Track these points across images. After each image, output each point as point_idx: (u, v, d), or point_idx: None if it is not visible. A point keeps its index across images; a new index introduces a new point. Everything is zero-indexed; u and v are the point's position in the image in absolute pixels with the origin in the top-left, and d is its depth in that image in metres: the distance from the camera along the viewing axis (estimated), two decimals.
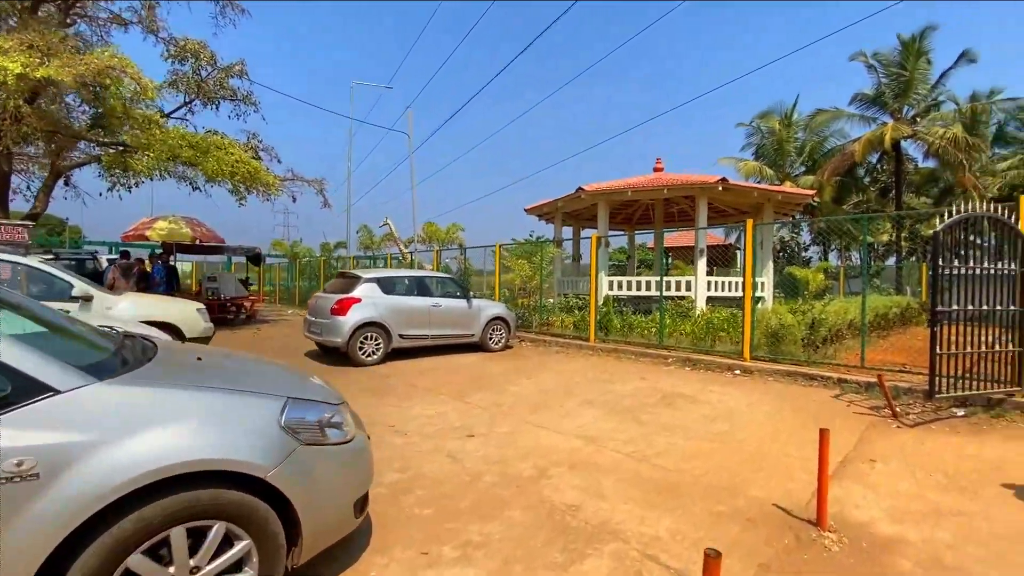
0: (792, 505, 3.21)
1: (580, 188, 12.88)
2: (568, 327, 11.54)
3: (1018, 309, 5.49)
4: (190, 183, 15.99)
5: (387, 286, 8.39)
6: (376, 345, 8.02)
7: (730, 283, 12.62)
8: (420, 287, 8.79)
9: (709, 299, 12.38)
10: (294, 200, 16.46)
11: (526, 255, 15.58)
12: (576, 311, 12.27)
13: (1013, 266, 5.49)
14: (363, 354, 7.88)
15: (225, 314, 14.92)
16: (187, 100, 17.60)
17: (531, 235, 17.46)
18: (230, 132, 17.74)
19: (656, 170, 15.40)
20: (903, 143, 23.06)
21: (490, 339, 9.51)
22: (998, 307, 5.46)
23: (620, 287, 13.13)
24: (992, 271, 5.44)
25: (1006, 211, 5.47)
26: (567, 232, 18.58)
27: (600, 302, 11.63)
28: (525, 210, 16.25)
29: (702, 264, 12.49)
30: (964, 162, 20.61)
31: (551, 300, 13.85)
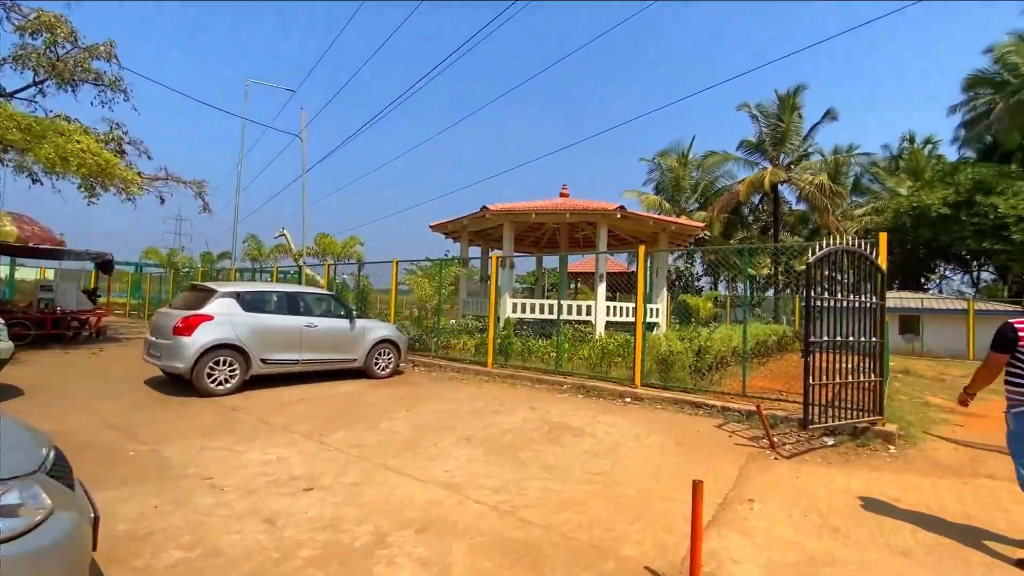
0: (667, 567, 2.78)
1: (485, 207, 12.48)
2: (469, 350, 10.92)
3: (878, 340, 5.75)
4: (28, 173, 13.51)
5: (249, 302, 7.23)
6: (231, 371, 6.82)
7: (628, 308, 12.78)
8: (291, 304, 7.69)
9: (609, 324, 12.42)
10: (162, 202, 14.52)
11: (429, 274, 14.87)
12: (478, 334, 11.71)
13: (874, 299, 5.77)
14: (212, 382, 6.65)
15: (63, 330, 12.50)
16: (36, 80, 15.07)
17: (446, 254, 16.79)
18: (97, 123, 15.38)
19: (562, 196, 15.51)
20: (780, 187, 25.61)
21: (376, 364, 8.60)
22: (862, 338, 5.69)
23: (524, 310, 12.81)
24: (857, 304, 5.67)
25: (868, 246, 5.76)
26: (476, 252, 18.16)
27: (501, 325, 11.20)
28: (430, 226, 15.58)
29: (602, 289, 12.54)
30: (828, 206, 23.24)
31: (453, 321, 13.21)
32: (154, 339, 7.03)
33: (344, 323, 8.18)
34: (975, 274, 27.11)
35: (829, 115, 25.56)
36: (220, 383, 6.71)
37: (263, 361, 7.12)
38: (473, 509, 3.41)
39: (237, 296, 7.12)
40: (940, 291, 26.55)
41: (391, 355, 8.84)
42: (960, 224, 19.73)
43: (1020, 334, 3.07)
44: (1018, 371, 3.09)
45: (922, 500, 4.05)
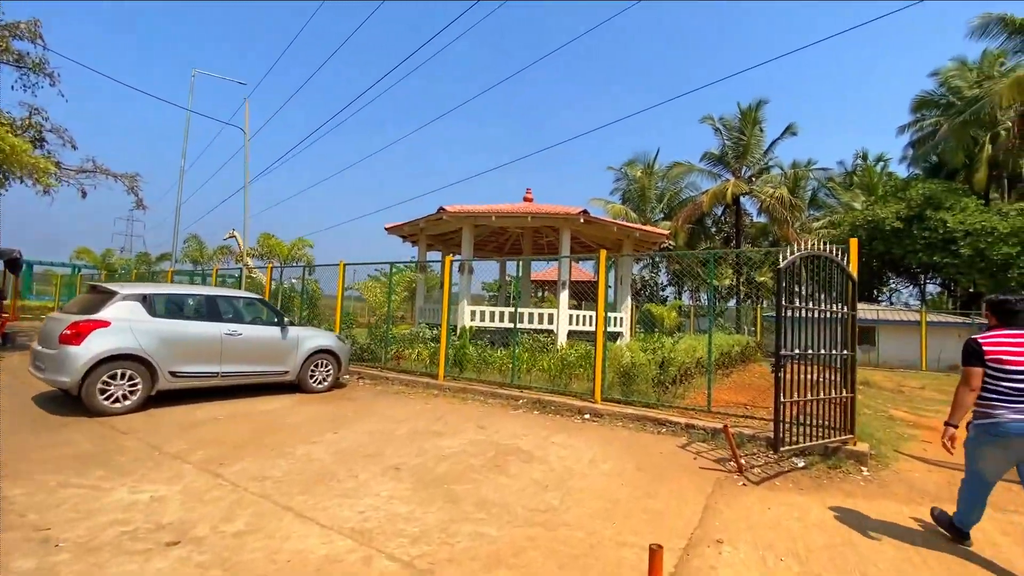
0: None
1: (441, 208, 11.81)
2: (424, 361, 10.16)
3: (850, 353, 5.37)
4: None
5: (157, 306, 6.30)
6: (131, 386, 5.87)
7: (591, 317, 12.31)
8: (210, 309, 6.77)
9: (572, 333, 11.92)
10: (84, 195, 13.16)
11: (380, 278, 14.08)
12: (432, 343, 10.96)
13: (845, 308, 5.39)
14: (107, 399, 5.70)
15: None
16: None
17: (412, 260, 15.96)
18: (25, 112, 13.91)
19: (526, 200, 15.01)
20: (742, 199, 25.96)
21: (311, 377, 7.74)
22: (833, 351, 5.29)
23: (483, 318, 12.16)
24: (829, 313, 5.28)
25: (839, 252, 5.39)
26: (437, 257, 17.40)
27: (456, 334, 10.51)
28: (386, 228, 14.78)
29: (564, 296, 12.03)
30: (788, 219, 23.61)
31: (412, 330, 12.43)
32: (40, 348, 6.01)
33: (274, 331, 7.31)
34: (923, 287, 28.10)
35: (789, 130, 26.15)
36: (117, 400, 5.76)
37: (173, 374, 6.19)
38: (380, 568, 2.71)
39: (143, 299, 6.18)
40: (891, 303, 27.39)
41: (330, 367, 8.00)
42: (912, 238, 20.27)
43: (985, 348, 3.19)
44: (983, 384, 3.18)
45: (907, 534, 3.60)
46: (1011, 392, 3.06)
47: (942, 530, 3.61)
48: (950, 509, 3.68)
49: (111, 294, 6.08)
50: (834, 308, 5.33)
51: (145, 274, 18.84)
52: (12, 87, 14.03)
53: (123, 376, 5.81)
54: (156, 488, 3.65)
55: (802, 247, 5.22)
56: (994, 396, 3.11)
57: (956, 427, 3.28)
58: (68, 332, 5.60)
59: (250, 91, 44.69)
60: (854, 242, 5.58)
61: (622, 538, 3.25)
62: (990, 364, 3.15)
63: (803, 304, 5.14)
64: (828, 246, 5.35)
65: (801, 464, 5.12)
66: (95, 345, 5.62)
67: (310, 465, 4.34)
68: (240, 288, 14.15)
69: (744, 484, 4.52)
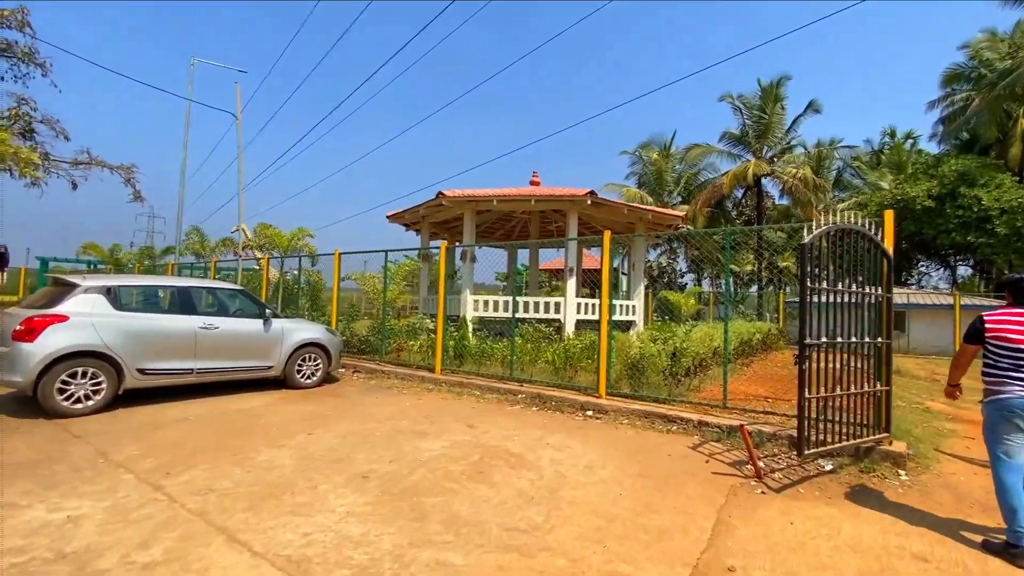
0: None
1: (440, 193, 11.24)
2: (424, 353, 9.70)
3: (884, 341, 4.69)
4: None
5: (123, 299, 5.87)
6: (94, 386, 5.48)
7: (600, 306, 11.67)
8: (183, 301, 6.32)
9: (581, 323, 11.31)
10: (74, 187, 12.89)
11: (399, 270, 13.73)
12: (434, 335, 10.48)
13: (879, 290, 4.70)
14: (67, 400, 5.30)
15: None
16: None
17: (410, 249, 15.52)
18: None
19: (533, 184, 14.38)
20: (763, 180, 24.82)
21: (298, 372, 7.30)
22: (865, 338, 4.62)
23: (488, 307, 11.62)
24: (860, 296, 4.60)
25: (871, 225, 4.69)
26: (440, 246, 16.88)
27: (456, 326, 10.02)
28: (387, 216, 14.29)
29: (572, 283, 11.42)
30: (812, 200, 22.48)
31: (414, 320, 11.99)
32: None
33: (255, 324, 6.86)
34: (954, 269, 26.69)
35: (812, 107, 24.86)
36: (78, 400, 5.37)
37: (141, 372, 5.78)
38: None
39: (107, 291, 5.76)
40: (920, 286, 26.07)
41: (319, 361, 7.55)
42: (944, 217, 19.07)
43: (987, 325, 3.21)
44: (988, 361, 3.22)
45: (957, 556, 2.98)
46: (1015, 368, 3.09)
47: (1002, 558, 3.02)
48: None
49: (72, 287, 5.67)
50: (866, 290, 4.64)
51: (149, 267, 18.74)
52: (3, 77, 13.79)
53: (84, 375, 5.41)
54: (80, 505, 3.20)
55: (830, 220, 4.53)
56: (1000, 372, 3.15)
57: (956, 386, 3.56)
58: (21, 328, 5.21)
59: (250, 93, 44.58)
60: (889, 214, 4.86)
61: (612, 566, 2.69)
62: (992, 341, 3.18)
63: (831, 286, 4.47)
64: (859, 218, 4.64)
65: (829, 467, 4.50)
66: (51, 342, 5.22)
67: (267, 474, 3.86)
68: (237, 282, 13.86)
69: (763, 492, 3.93)
